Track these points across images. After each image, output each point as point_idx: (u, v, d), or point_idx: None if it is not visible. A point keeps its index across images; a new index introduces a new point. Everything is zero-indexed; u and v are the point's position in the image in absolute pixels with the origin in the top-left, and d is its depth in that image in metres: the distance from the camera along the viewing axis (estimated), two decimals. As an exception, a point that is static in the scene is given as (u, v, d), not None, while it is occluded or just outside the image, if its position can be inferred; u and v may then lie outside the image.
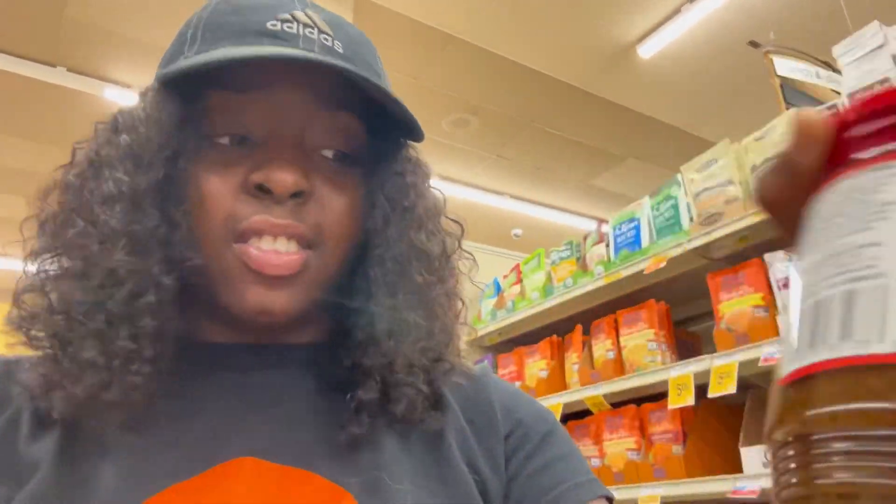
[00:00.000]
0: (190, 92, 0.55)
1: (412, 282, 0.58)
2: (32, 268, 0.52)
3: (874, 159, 0.24)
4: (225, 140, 0.55)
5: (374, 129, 0.60)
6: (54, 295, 0.51)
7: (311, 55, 0.53)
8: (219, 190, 0.54)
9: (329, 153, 0.58)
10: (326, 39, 0.56)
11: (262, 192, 0.53)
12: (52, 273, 0.52)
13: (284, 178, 0.53)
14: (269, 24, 0.55)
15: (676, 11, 4.64)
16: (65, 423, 0.51)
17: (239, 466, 0.51)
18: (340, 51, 0.56)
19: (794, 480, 0.22)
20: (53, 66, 4.75)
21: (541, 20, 4.69)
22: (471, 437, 0.60)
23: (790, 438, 0.23)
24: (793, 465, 0.22)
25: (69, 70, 4.79)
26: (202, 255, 0.54)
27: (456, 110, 5.64)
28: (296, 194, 0.54)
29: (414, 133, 0.61)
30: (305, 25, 0.56)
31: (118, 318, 0.49)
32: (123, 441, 0.51)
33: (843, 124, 0.26)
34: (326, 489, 0.51)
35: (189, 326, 0.57)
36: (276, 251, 0.53)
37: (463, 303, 0.65)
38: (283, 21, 0.55)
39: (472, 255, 0.67)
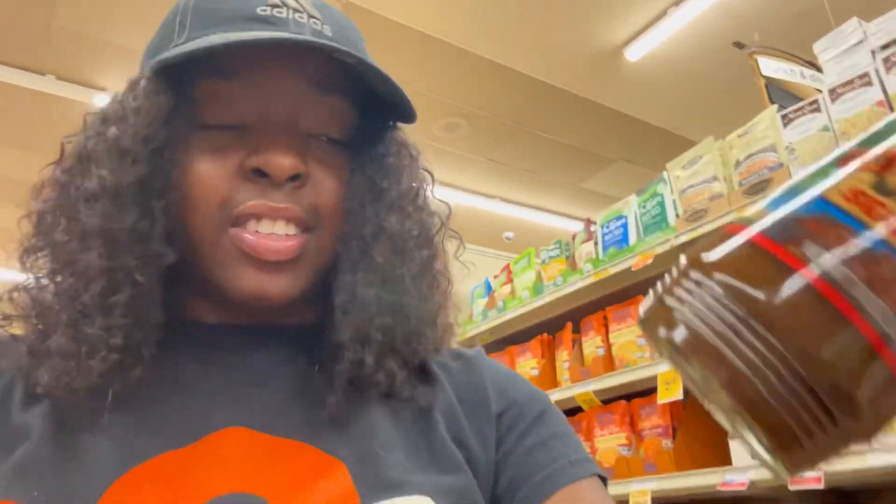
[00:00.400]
0: (179, 80, 0.54)
1: (373, 260, 0.58)
2: (25, 266, 0.54)
3: None
4: (217, 127, 0.55)
5: (364, 112, 0.61)
6: (36, 291, 0.52)
7: (306, 38, 0.53)
8: (213, 175, 0.53)
9: (326, 136, 0.58)
10: (316, 23, 0.56)
11: (259, 175, 0.54)
12: (39, 270, 0.53)
13: (282, 162, 0.53)
14: (258, 10, 0.55)
15: (662, 14, 4.68)
16: (57, 400, 0.51)
17: (231, 436, 0.51)
18: (330, 34, 0.57)
19: (665, 289, 0.26)
20: (43, 74, 4.75)
21: (529, 24, 4.72)
22: (461, 414, 0.60)
23: (683, 264, 0.26)
24: (675, 281, 0.26)
25: (58, 78, 4.79)
26: (196, 244, 0.54)
27: (447, 115, 5.66)
28: (293, 177, 0.54)
29: (405, 114, 0.61)
30: (295, 10, 0.56)
31: (92, 311, 0.50)
32: (113, 414, 0.51)
33: None
34: (319, 459, 0.51)
35: (179, 306, 0.58)
36: (273, 236, 0.54)
37: (450, 282, 0.65)
38: (273, 6, 0.55)
39: (458, 234, 0.67)
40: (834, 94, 1.84)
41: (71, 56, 4.62)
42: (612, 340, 2.31)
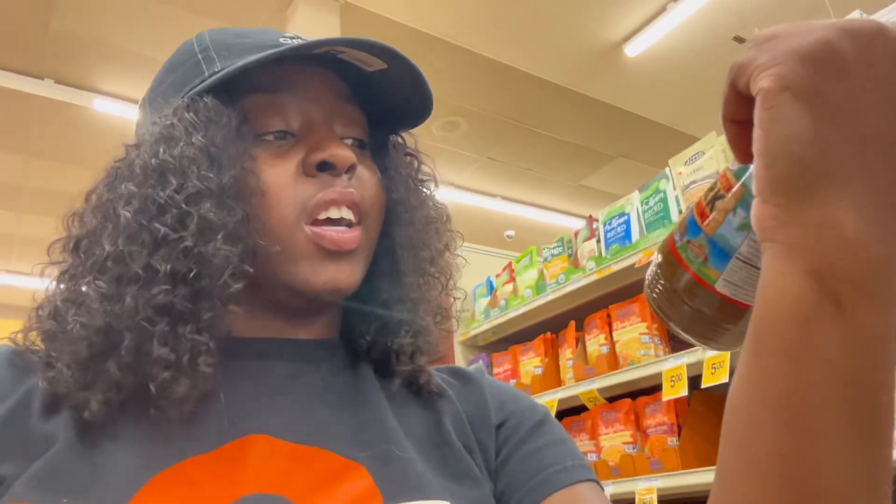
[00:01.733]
0: (224, 97, 0.59)
1: (400, 263, 0.66)
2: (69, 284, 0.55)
3: None
4: (271, 136, 0.60)
5: (375, 121, 0.67)
6: (86, 309, 0.52)
7: (352, 38, 0.58)
8: (280, 178, 0.58)
9: (354, 141, 0.64)
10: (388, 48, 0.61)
11: (321, 170, 0.59)
12: (86, 285, 0.53)
13: (345, 154, 0.59)
14: (280, 39, 0.62)
15: (662, 10, 4.67)
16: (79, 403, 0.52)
17: (251, 443, 0.53)
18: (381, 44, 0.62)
19: (652, 279, 0.48)
20: (41, 78, 4.75)
21: (527, 21, 4.71)
22: (466, 424, 0.63)
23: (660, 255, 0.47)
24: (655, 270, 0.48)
25: (57, 82, 4.78)
26: (270, 243, 0.56)
27: (445, 114, 5.65)
28: (349, 169, 0.60)
29: (413, 119, 0.68)
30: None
31: (183, 314, 0.52)
32: (136, 421, 0.52)
33: None
34: (338, 463, 0.53)
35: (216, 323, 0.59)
36: (341, 229, 0.59)
37: (455, 284, 0.71)
38: (291, 37, 0.62)
39: (461, 234, 0.73)
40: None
41: (69, 59, 4.62)
42: (615, 338, 2.30)
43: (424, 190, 0.69)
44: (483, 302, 3.02)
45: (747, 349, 0.36)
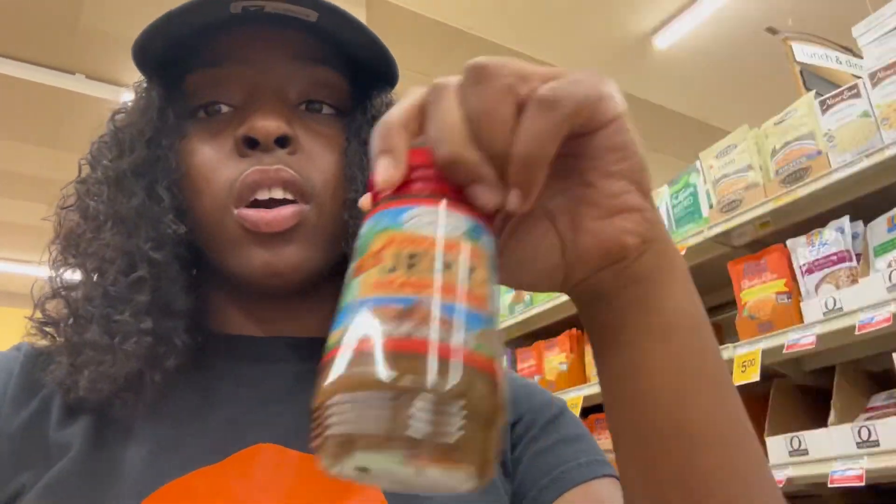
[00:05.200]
0: (172, 76, 0.58)
1: None
2: (52, 273, 0.56)
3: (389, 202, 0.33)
4: (202, 111, 0.57)
5: (355, 83, 0.61)
6: (65, 291, 0.55)
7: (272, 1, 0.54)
8: (211, 158, 0.55)
9: (316, 106, 0.59)
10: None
11: (249, 146, 0.54)
12: (64, 273, 0.56)
13: (266, 124, 0.53)
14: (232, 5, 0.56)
15: (692, 1, 4.59)
16: (94, 410, 0.52)
17: (260, 452, 0.52)
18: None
19: (317, 433, 0.30)
20: (72, 73, 4.81)
21: (554, 14, 4.66)
22: None
23: (317, 404, 0.30)
24: (317, 424, 0.30)
25: (87, 77, 4.84)
26: (205, 227, 0.55)
27: (470, 107, 5.63)
28: (281, 141, 0.54)
29: (388, 76, 0.62)
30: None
31: (117, 299, 0.52)
32: (148, 429, 0.52)
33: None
34: None
35: (210, 318, 0.60)
36: (270, 209, 0.53)
37: None
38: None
39: None
40: (874, 78, 1.77)
41: (99, 55, 4.67)
42: (643, 335, 2.26)
43: None
44: (507, 298, 3.00)
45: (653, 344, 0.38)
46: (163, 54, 0.57)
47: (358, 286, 0.32)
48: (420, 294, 0.29)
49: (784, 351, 1.75)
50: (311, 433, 0.31)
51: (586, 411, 2.43)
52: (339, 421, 0.29)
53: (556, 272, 0.38)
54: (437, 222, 0.32)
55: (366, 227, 0.33)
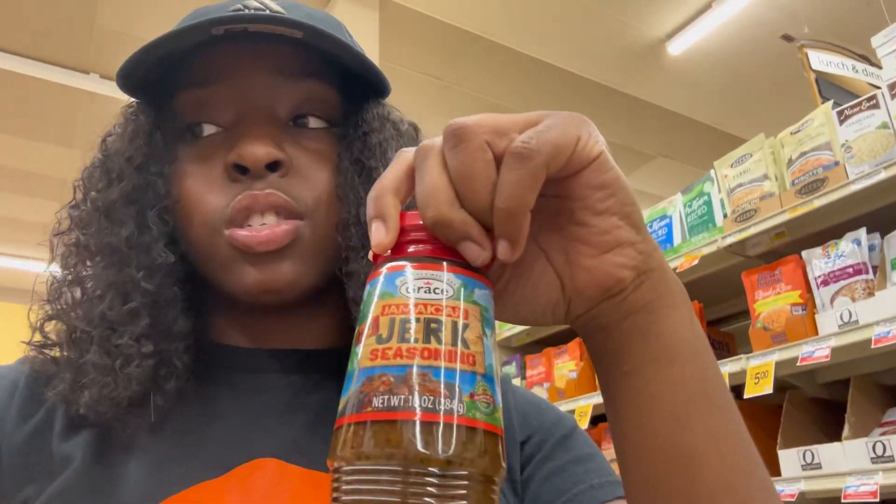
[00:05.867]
0: (160, 99, 0.57)
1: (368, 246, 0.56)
2: (50, 296, 0.57)
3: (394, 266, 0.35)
4: (197, 132, 0.56)
5: (348, 96, 0.60)
6: (64, 310, 0.55)
7: (245, 13, 0.53)
8: (201, 184, 0.54)
9: (306, 121, 0.58)
10: (276, 13, 0.55)
11: (240, 172, 0.53)
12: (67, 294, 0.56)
13: (255, 151, 0.52)
14: (217, 14, 0.55)
15: (707, 7, 4.56)
16: (96, 424, 0.52)
17: (261, 467, 0.51)
18: (292, 18, 0.55)
19: (333, 497, 0.31)
20: (87, 72, 4.84)
21: (568, 18, 4.65)
22: None
23: (330, 467, 0.32)
24: (333, 487, 0.31)
25: (102, 76, 4.87)
26: (198, 250, 0.55)
27: (481, 111, 5.61)
28: (272, 166, 0.53)
29: (379, 87, 0.60)
30: (256, 9, 0.56)
31: (117, 325, 0.52)
32: (150, 442, 0.52)
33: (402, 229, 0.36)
34: None
35: (210, 331, 0.60)
36: (260, 229, 0.53)
37: None
38: (235, 10, 0.55)
39: None
40: (894, 89, 1.75)
41: (114, 54, 4.69)
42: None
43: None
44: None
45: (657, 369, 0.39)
46: (146, 77, 0.56)
47: (358, 355, 0.33)
48: (412, 362, 0.31)
49: (798, 363, 1.74)
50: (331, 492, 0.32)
51: (596, 419, 2.42)
52: (347, 490, 0.30)
53: (557, 307, 0.40)
54: (430, 286, 0.33)
55: (366, 292, 0.35)
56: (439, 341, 0.32)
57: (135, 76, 0.55)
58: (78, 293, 0.55)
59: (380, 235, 0.35)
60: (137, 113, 0.58)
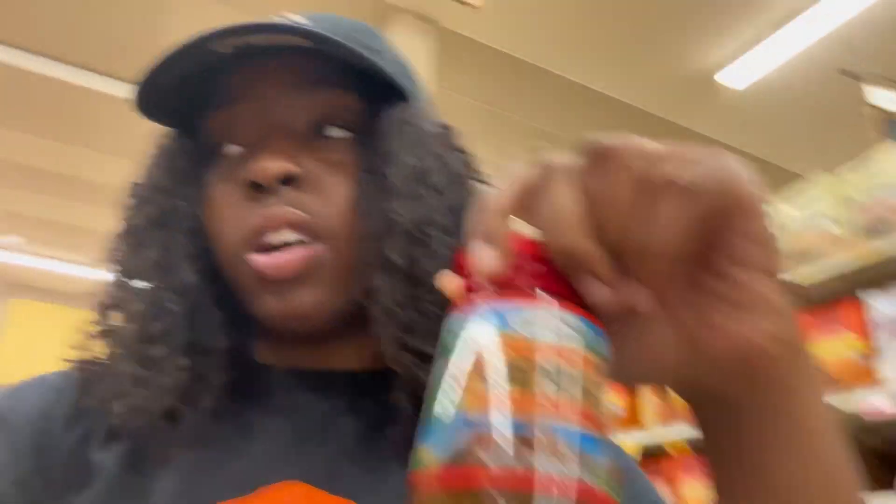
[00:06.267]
0: (185, 125, 0.58)
1: (390, 262, 0.52)
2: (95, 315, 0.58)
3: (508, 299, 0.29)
4: (221, 154, 0.56)
5: (375, 103, 0.57)
6: (107, 328, 0.56)
7: (247, 24, 0.51)
8: (223, 205, 0.55)
9: (327, 132, 0.55)
10: (282, 23, 0.53)
11: (256, 190, 0.52)
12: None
13: (266, 165, 0.51)
14: (218, 44, 0.54)
15: (760, 39, 4.50)
16: (131, 435, 0.52)
17: (288, 489, 0.51)
18: (310, 27, 0.53)
19: None
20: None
21: (622, 48, 4.64)
22: None
23: None
24: None
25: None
26: (226, 272, 0.56)
27: (531, 138, 5.62)
28: (287, 180, 0.52)
29: (402, 91, 0.57)
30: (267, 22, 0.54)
31: (153, 338, 0.53)
32: (181, 457, 0.52)
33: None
34: None
35: (254, 350, 0.60)
36: (281, 253, 0.51)
37: None
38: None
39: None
40: None
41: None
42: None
43: (422, 162, 0.56)
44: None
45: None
46: (166, 101, 0.56)
47: (453, 398, 0.27)
48: (531, 417, 0.26)
49: (855, 411, 1.67)
50: None
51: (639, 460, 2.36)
52: None
53: (678, 370, 0.34)
54: (551, 326, 0.28)
55: (458, 324, 0.29)
56: (564, 395, 0.26)
57: (151, 104, 0.56)
58: (120, 311, 0.56)
59: (491, 261, 0.29)
60: (164, 139, 0.60)
